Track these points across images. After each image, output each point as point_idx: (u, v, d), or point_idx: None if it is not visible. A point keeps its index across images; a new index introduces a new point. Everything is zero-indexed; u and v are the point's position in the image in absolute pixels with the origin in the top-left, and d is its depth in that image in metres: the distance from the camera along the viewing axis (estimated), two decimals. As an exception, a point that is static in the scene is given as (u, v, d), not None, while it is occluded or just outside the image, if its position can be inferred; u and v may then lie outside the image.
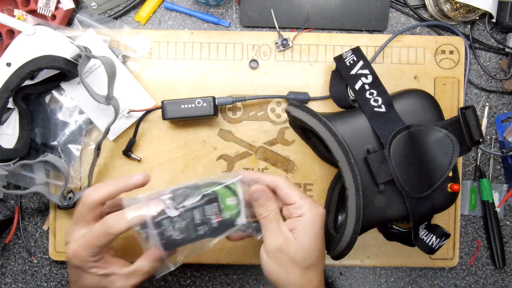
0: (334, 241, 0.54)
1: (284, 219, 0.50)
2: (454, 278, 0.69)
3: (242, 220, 0.49)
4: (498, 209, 0.67)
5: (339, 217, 0.62)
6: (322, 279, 0.51)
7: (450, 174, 0.53)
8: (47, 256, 0.68)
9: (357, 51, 0.57)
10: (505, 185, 0.68)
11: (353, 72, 0.56)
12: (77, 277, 0.48)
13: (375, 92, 0.54)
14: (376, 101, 0.54)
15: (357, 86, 0.55)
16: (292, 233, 0.48)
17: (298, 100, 0.62)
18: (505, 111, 0.68)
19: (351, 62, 0.57)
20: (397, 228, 0.59)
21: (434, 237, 0.55)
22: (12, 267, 0.68)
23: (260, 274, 0.68)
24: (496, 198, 0.67)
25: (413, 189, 0.52)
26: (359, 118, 0.54)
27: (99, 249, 0.46)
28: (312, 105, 0.64)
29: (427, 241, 0.56)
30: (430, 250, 0.56)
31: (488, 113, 0.68)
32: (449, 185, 0.54)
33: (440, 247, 0.56)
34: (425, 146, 0.52)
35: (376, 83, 0.55)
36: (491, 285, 0.69)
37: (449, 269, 0.69)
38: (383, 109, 0.53)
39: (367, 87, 0.55)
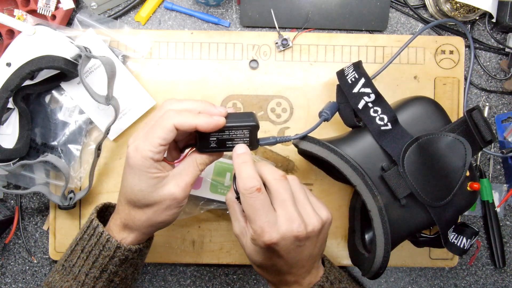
0: (366, 261, 0.54)
1: None
2: (454, 278, 0.69)
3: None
4: (498, 209, 0.67)
5: (366, 235, 0.62)
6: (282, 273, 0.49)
7: (467, 173, 0.53)
8: (47, 256, 0.68)
9: (358, 67, 0.55)
10: (505, 185, 0.68)
11: (355, 90, 0.54)
12: (129, 181, 0.46)
13: (379, 109, 0.53)
14: (381, 119, 0.53)
15: (361, 105, 0.54)
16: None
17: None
18: (505, 111, 0.68)
19: (353, 79, 0.55)
20: (425, 235, 0.58)
21: (464, 238, 0.55)
22: (12, 267, 0.68)
23: (260, 274, 0.68)
24: (496, 198, 0.67)
25: (434, 198, 0.52)
26: (367, 137, 0.53)
27: (161, 147, 0.44)
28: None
29: (458, 244, 0.55)
30: (462, 252, 0.56)
31: (488, 113, 0.68)
32: (468, 185, 0.53)
33: (471, 245, 0.56)
34: (437, 153, 0.52)
35: (379, 100, 0.54)
36: (491, 285, 0.69)
37: (449, 269, 0.69)
38: (389, 126, 0.53)
39: (370, 105, 0.54)
